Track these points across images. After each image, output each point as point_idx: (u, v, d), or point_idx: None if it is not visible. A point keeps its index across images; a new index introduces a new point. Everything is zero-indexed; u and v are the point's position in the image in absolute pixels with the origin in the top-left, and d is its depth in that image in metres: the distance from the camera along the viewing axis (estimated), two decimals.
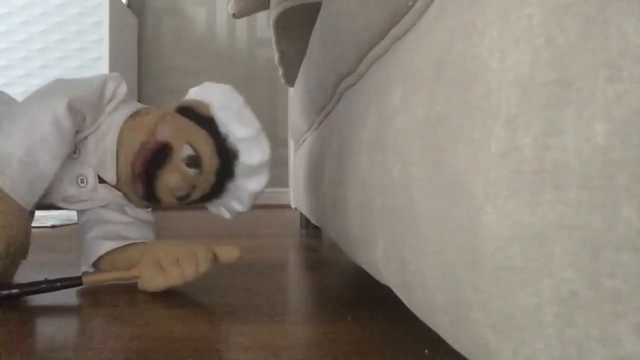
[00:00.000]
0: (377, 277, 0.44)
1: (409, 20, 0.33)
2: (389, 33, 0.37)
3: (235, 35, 2.91)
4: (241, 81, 2.86)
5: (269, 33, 1.82)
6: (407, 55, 0.33)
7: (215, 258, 0.65)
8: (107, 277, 0.65)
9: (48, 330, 0.49)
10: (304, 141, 1.13)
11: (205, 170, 0.74)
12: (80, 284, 0.63)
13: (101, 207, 0.75)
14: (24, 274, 0.74)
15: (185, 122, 0.76)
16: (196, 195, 0.76)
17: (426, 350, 0.43)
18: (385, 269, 0.38)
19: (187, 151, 0.72)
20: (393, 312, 0.54)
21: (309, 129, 0.98)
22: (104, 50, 2.44)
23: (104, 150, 0.71)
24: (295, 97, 1.09)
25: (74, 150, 0.71)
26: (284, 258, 0.96)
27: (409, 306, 0.34)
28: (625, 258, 0.15)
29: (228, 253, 0.66)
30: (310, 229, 1.48)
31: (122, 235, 0.72)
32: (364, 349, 0.43)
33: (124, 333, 0.48)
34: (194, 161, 0.73)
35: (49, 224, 1.54)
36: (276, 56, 1.10)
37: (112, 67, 2.44)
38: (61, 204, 0.74)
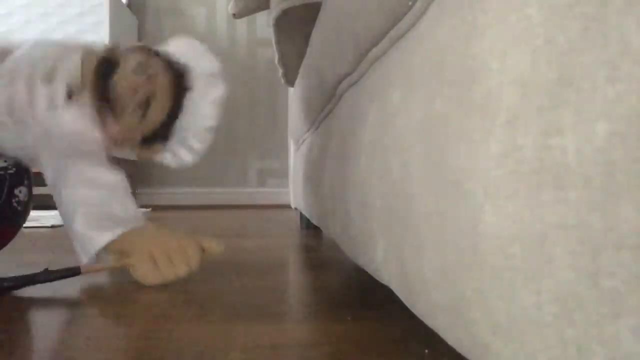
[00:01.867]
0: (377, 277, 0.44)
1: (409, 20, 0.33)
2: (389, 33, 0.37)
3: (235, 35, 2.91)
4: (241, 81, 2.86)
5: (269, 33, 1.82)
6: (407, 55, 0.33)
7: (203, 250, 0.70)
8: (99, 268, 0.68)
9: (48, 330, 0.49)
10: (304, 141, 1.13)
11: (160, 83, 0.79)
12: (79, 273, 0.65)
13: (73, 186, 0.68)
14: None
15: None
16: (156, 111, 0.80)
17: (426, 350, 0.43)
18: (385, 269, 0.38)
19: (136, 58, 0.78)
20: (393, 312, 0.54)
21: (309, 129, 0.98)
22: None
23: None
24: (295, 97, 1.09)
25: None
26: (284, 258, 0.96)
27: (409, 306, 0.34)
28: (625, 258, 0.15)
29: (213, 247, 0.71)
30: (310, 229, 1.48)
31: (107, 215, 0.68)
32: (364, 349, 0.43)
33: (124, 333, 0.48)
34: (142, 68, 0.77)
35: (49, 224, 1.54)
36: (276, 56, 1.10)
37: None
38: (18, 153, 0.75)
